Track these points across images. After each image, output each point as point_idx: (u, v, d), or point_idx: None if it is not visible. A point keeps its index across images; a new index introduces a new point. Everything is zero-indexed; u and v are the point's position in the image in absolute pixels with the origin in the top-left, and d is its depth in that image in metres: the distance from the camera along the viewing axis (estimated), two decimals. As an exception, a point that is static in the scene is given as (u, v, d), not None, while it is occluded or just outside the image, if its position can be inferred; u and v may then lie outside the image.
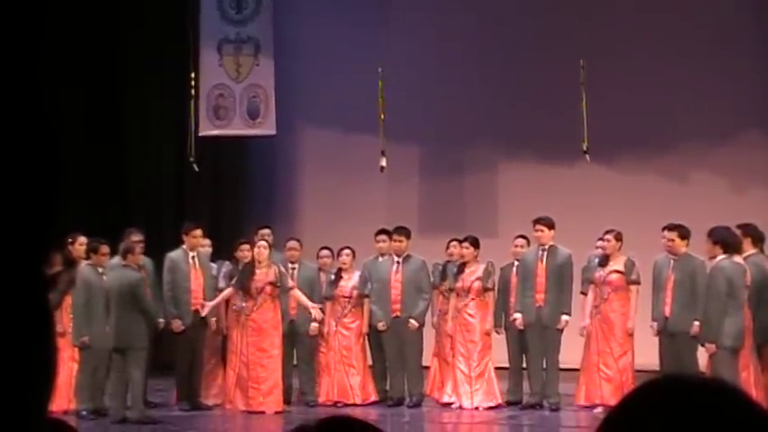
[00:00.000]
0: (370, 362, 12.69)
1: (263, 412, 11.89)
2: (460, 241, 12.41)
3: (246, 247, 12.38)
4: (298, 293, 12.18)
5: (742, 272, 10.50)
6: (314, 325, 12.50)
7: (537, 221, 12.11)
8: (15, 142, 1.41)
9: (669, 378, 1.54)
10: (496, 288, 12.35)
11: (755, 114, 14.60)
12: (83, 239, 11.85)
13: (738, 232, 10.85)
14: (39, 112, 1.43)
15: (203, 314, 12.10)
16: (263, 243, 12.15)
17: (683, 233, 11.31)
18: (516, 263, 12.34)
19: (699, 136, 14.66)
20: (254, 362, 11.91)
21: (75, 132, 14.73)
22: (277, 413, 11.93)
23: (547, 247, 12.07)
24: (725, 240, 10.51)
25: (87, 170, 14.89)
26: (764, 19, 14.55)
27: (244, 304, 12.03)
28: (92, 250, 11.65)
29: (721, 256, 10.49)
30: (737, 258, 10.56)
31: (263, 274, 12.00)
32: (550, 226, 12.08)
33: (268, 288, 11.98)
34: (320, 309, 12.26)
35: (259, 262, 11.99)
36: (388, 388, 12.59)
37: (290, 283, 12.19)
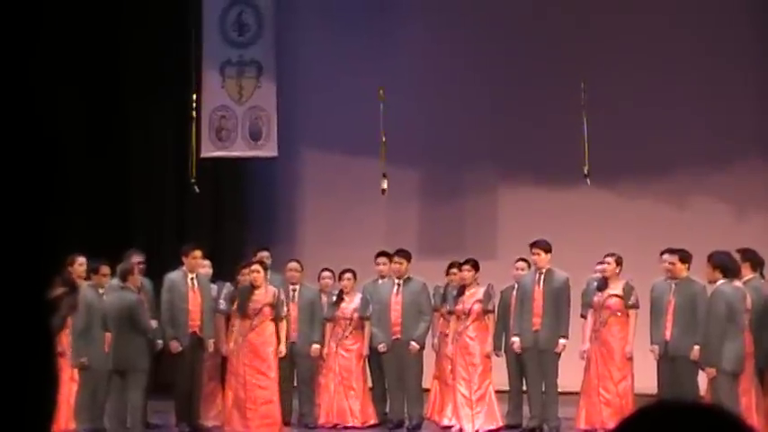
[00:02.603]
0: (369, 384, 12.68)
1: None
2: (460, 265, 12.40)
3: (248, 270, 12.38)
4: (282, 326, 12.17)
5: (742, 296, 10.50)
6: (315, 347, 12.50)
7: (533, 245, 12.10)
8: (18, 170, 1.42)
9: (667, 402, 1.55)
10: (497, 311, 12.35)
11: (756, 139, 14.63)
12: (81, 260, 11.84)
13: (737, 257, 10.85)
14: (41, 139, 1.44)
15: (225, 354, 12.13)
16: (257, 267, 12.14)
17: (684, 257, 11.32)
18: (516, 286, 12.33)
19: (700, 160, 14.68)
20: (251, 383, 11.89)
21: (76, 154, 14.76)
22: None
23: (544, 270, 12.06)
24: (724, 265, 10.51)
25: (88, 191, 14.89)
26: (765, 43, 14.59)
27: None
28: (92, 271, 11.66)
29: (721, 281, 10.49)
30: (737, 283, 10.56)
31: (262, 296, 12.01)
32: (547, 249, 12.07)
33: (266, 309, 11.98)
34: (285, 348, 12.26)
35: (256, 286, 12.00)
36: (387, 410, 12.57)
37: (283, 312, 12.18)
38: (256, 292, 12.00)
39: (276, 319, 12.07)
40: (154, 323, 11.81)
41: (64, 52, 13.72)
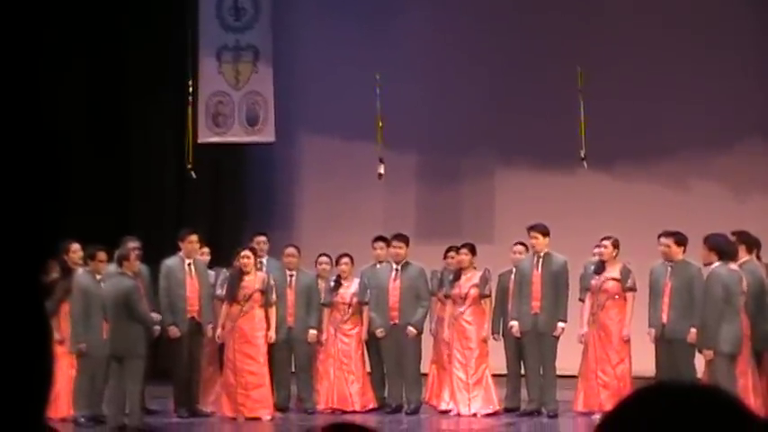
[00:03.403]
0: (368, 369, 12.70)
1: (257, 418, 11.90)
2: (458, 249, 12.42)
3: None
4: (271, 312, 12.19)
5: (738, 278, 10.52)
6: (312, 332, 12.52)
7: (531, 229, 12.12)
8: (12, 157, 1.43)
9: (664, 384, 1.56)
10: (494, 295, 12.37)
11: (755, 121, 14.62)
12: (76, 246, 11.84)
13: (733, 239, 10.87)
14: (37, 125, 1.45)
15: (218, 340, 12.12)
16: (247, 253, 12.18)
17: (679, 240, 11.33)
18: (514, 270, 12.35)
19: (697, 143, 14.68)
20: (241, 368, 11.94)
21: (73, 141, 14.74)
22: (272, 419, 11.96)
23: (542, 254, 12.08)
24: (720, 247, 10.53)
25: (86, 177, 14.89)
26: (765, 25, 14.57)
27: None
28: (89, 257, 11.66)
29: (717, 263, 10.51)
30: (733, 265, 10.58)
31: (251, 281, 12.05)
32: (545, 233, 12.09)
33: (256, 295, 12.03)
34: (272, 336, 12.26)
35: (246, 272, 12.04)
36: (386, 395, 12.60)
37: (273, 299, 12.20)
38: (246, 277, 12.06)
39: (266, 305, 12.11)
40: (155, 316, 11.80)
41: (62, 44, 13.71)
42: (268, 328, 12.12)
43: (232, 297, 12.05)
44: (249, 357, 11.98)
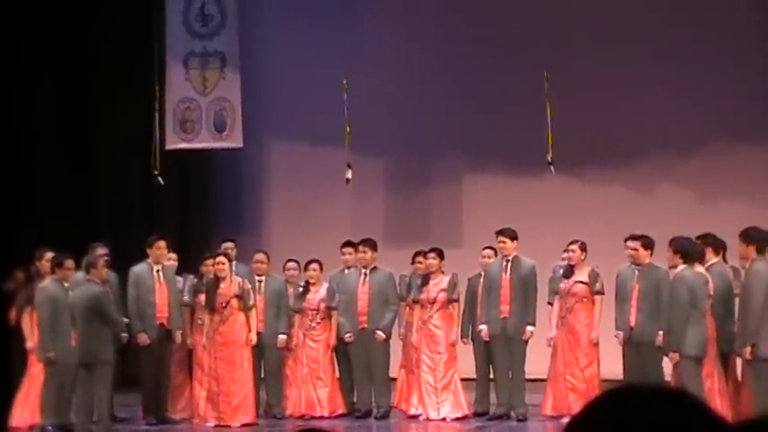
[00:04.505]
0: (337, 374, 12.69)
1: (229, 426, 11.86)
2: (426, 254, 12.44)
3: (211, 261, 12.35)
4: (251, 315, 12.15)
5: (704, 281, 10.57)
6: (281, 337, 12.50)
7: (499, 233, 12.16)
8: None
9: (630, 386, 1.58)
10: (463, 299, 12.40)
11: (721, 125, 14.70)
12: (49, 255, 11.78)
13: (699, 242, 10.93)
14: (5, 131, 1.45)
15: (189, 345, 12.10)
16: (221, 259, 12.13)
17: (647, 243, 11.39)
18: (483, 274, 12.38)
19: (664, 146, 14.76)
20: (223, 376, 11.89)
21: (40, 148, 14.67)
22: (248, 425, 11.92)
23: (510, 258, 12.12)
24: (685, 250, 10.58)
25: (53, 184, 14.82)
26: (729, 31, 14.66)
27: (208, 319, 12.05)
28: (57, 265, 11.59)
29: (682, 266, 10.56)
30: (698, 268, 10.64)
31: (227, 288, 12.01)
32: (513, 237, 12.12)
33: (234, 302, 11.98)
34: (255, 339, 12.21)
35: (221, 279, 12.00)
36: (355, 400, 12.59)
37: (251, 302, 12.16)
38: (222, 285, 12.00)
39: (245, 309, 12.07)
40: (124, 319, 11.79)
41: (28, 47, 13.64)
42: (249, 331, 12.08)
43: (211, 306, 11.99)
44: (230, 364, 11.93)
